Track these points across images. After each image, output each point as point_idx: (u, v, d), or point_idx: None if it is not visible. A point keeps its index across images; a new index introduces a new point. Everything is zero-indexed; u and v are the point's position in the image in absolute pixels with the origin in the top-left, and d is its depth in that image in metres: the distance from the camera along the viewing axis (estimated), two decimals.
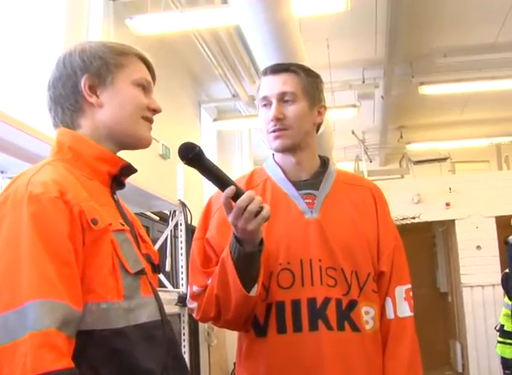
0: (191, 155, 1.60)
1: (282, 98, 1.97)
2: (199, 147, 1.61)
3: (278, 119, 1.95)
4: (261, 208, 1.67)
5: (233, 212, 1.67)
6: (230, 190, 1.64)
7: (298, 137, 1.99)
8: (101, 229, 1.36)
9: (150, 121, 1.59)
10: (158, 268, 1.62)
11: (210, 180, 1.66)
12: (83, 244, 1.33)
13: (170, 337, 1.53)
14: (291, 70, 2.01)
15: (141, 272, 1.44)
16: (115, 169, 1.52)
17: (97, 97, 1.50)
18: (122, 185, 1.59)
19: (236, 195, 1.65)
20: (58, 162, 1.45)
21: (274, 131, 1.97)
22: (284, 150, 2.01)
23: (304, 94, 2.00)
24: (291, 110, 1.97)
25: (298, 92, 1.99)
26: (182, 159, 1.62)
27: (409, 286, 2.03)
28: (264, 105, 2.01)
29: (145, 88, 1.57)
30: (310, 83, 2.02)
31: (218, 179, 1.66)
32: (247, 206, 1.64)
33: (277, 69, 2.02)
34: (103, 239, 1.36)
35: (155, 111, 1.60)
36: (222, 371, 7.48)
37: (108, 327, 1.32)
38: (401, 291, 2.00)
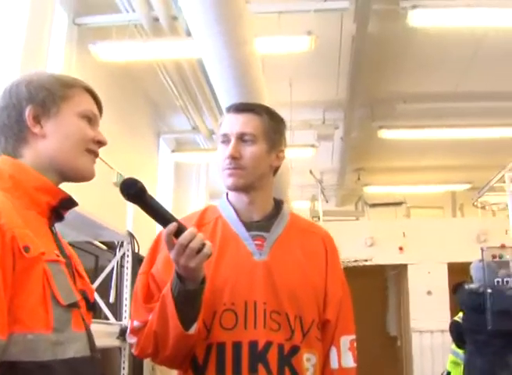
0: (133, 191, 1.58)
1: (242, 138, 1.96)
2: (141, 183, 1.59)
3: (234, 158, 1.94)
4: (203, 245, 1.64)
5: (175, 249, 1.64)
6: (172, 226, 1.62)
7: (252, 177, 1.97)
8: (33, 257, 1.31)
9: (95, 154, 1.56)
10: (93, 306, 1.56)
11: (152, 216, 1.64)
12: (13, 272, 1.28)
13: (98, 374, 1.46)
14: (255, 112, 2.00)
15: (74, 305, 1.39)
16: (55, 201, 1.48)
17: (41, 127, 1.48)
18: (61, 218, 1.55)
19: (179, 232, 1.63)
20: None
21: (228, 169, 1.95)
22: (236, 189, 1.99)
23: (264, 136, 1.98)
24: (249, 151, 1.95)
25: (258, 134, 1.97)
26: (123, 195, 1.59)
27: (354, 336, 2.02)
28: (223, 142, 1.99)
29: (91, 120, 1.55)
30: (272, 126, 2.01)
31: (160, 215, 1.64)
32: (188, 243, 1.62)
33: (241, 108, 2.01)
34: (34, 268, 1.31)
35: (101, 143, 1.57)
36: None
37: (33, 359, 1.26)
38: (346, 341, 1.99)
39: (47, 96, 1.49)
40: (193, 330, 1.76)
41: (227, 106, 2.07)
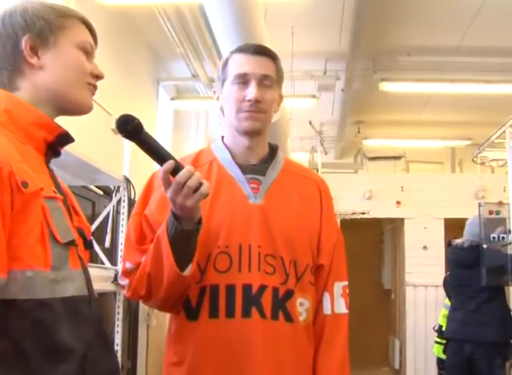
0: (130, 127, 1.55)
1: (262, 81, 1.94)
2: (138, 119, 1.57)
3: (257, 101, 1.92)
4: (200, 184, 1.63)
5: (172, 188, 1.62)
6: (169, 164, 1.60)
7: (266, 122, 1.99)
8: (31, 193, 1.28)
9: (94, 87, 1.53)
10: (89, 243, 1.54)
11: (148, 154, 1.61)
12: (12, 208, 1.25)
13: (97, 314, 1.46)
14: (271, 56, 2.00)
15: (71, 243, 1.37)
16: (52, 137, 1.45)
17: (39, 58, 1.44)
18: (57, 154, 1.52)
19: (176, 170, 1.61)
20: None
21: (248, 112, 1.93)
22: (252, 132, 1.97)
23: (277, 81, 2.00)
24: (268, 95, 1.95)
25: (274, 79, 1.98)
26: (120, 132, 1.57)
27: (346, 283, 2.04)
28: (239, 83, 1.95)
29: (88, 53, 1.51)
30: (280, 72, 2.02)
31: (157, 153, 1.62)
32: (186, 181, 1.60)
33: (260, 51, 1.98)
34: (33, 204, 1.29)
35: (98, 77, 1.54)
36: (160, 352, 7.40)
37: (31, 297, 1.25)
38: (339, 287, 2.00)
39: (44, 26, 1.44)
40: (187, 271, 1.76)
41: (241, 46, 2.02)
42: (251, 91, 1.92)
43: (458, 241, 5.53)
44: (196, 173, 1.62)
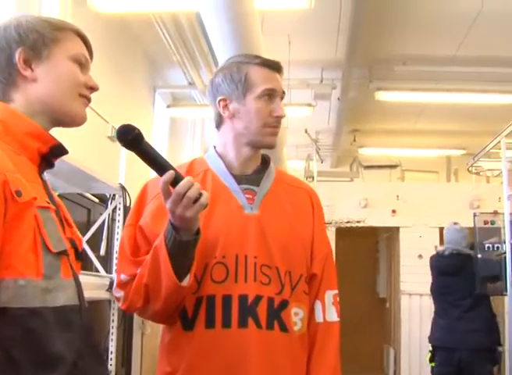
0: (130, 137, 1.55)
1: (281, 97, 1.99)
2: (138, 129, 1.56)
3: (282, 118, 1.98)
4: (200, 194, 1.62)
5: (172, 198, 1.62)
6: (169, 175, 1.59)
7: None
8: (24, 202, 1.29)
9: (87, 99, 1.53)
10: (81, 255, 1.54)
11: (148, 164, 1.61)
12: (4, 217, 1.26)
13: (87, 324, 1.46)
14: (282, 72, 2.03)
15: (63, 252, 1.38)
16: (46, 148, 1.46)
17: (32, 70, 1.45)
18: (51, 165, 1.52)
19: (175, 181, 1.60)
20: None
21: (275, 127, 1.97)
22: (274, 147, 2.02)
23: None
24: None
25: None
26: (120, 141, 1.57)
27: (337, 291, 2.05)
28: (267, 96, 1.96)
29: (82, 65, 1.53)
30: None
31: (157, 163, 1.61)
32: (186, 192, 1.60)
33: (279, 68, 2.01)
34: (26, 213, 1.29)
35: (93, 89, 1.54)
36: (154, 360, 7.36)
37: (23, 306, 1.25)
38: (330, 295, 2.02)
39: (37, 39, 1.45)
40: (186, 282, 1.75)
41: (263, 59, 2.01)
42: (279, 108, 1.96)
43: (440, 248, 5.57)
44: (195, 183, 1.62)
